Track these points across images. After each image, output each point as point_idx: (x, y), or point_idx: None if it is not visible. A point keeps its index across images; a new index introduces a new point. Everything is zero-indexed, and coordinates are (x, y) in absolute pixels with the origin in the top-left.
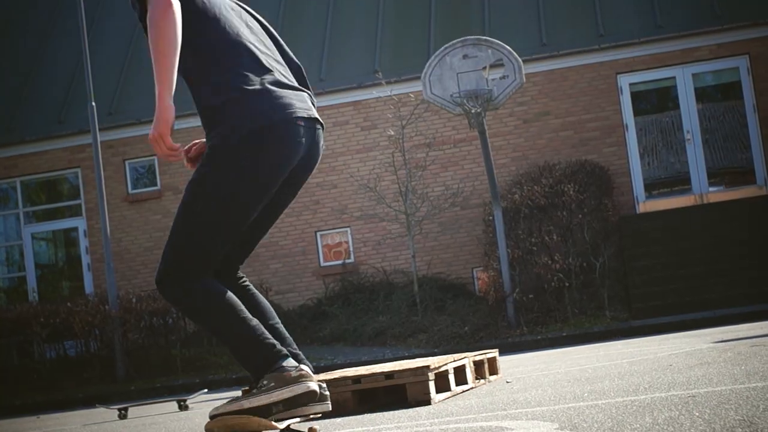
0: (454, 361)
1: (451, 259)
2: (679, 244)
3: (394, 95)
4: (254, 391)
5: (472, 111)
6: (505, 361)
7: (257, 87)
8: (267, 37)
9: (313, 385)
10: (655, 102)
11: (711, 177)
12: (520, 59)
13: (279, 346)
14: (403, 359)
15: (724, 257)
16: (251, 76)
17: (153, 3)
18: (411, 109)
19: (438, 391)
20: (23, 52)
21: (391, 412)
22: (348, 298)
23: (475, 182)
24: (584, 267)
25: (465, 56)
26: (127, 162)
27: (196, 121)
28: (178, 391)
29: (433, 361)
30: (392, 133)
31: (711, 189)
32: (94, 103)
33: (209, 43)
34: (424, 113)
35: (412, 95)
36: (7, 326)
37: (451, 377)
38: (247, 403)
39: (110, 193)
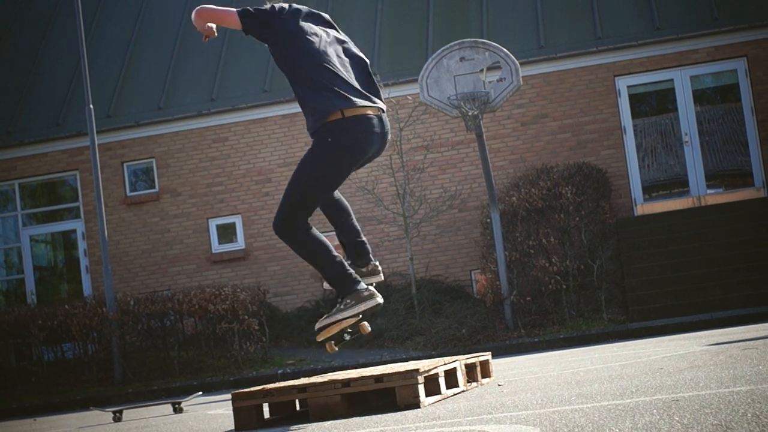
0: (445, 364)
1: (449, 262)
2: (677, 246)
3: (392, 98)
4: (341, 306)
5: (469, 113)
6: (501, 364)
7: (346, 93)
8: (350, 62)
9: (379, 299)
10: (653, 104)
11: (709, 179)
12: (517, 62)
13: (354, 275)
14: (400, 362)
15: (721, 260)
16: (343, 85)
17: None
18: (409, 111)
19: (428, 395)
20: (21, 55)
21: (379, 416)
22: None
23: (473, 184)
24: (581, 269)
25: (462, 59)
26: (125, 164)
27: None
28: (176, 393)
29: (423, 365)
30: (390, 135)
31: (709, 191)
32: (92, 106)
33: (310, 63)
34: (422, 116)
35: (409, 98)
36: (5, 329)
37: (442, 380)
38: (339, 315)
39: (108, 196)
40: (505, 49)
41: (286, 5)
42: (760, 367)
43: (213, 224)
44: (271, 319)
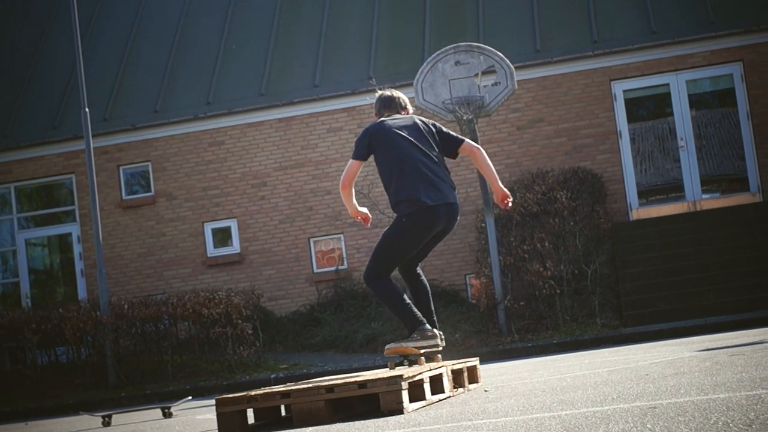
0: (430, 370)
1: (444, 266)
2: (672, 251)
3: None
4: (409, 338)
5: (464, 118)
6: (492, 369)
7: (413, 190)
8: (424, 142)
9: (438, 340)
10: (649, 109)
11: (704, 184)
12: (512, 66)
13: (422, 318)
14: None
15: (716, 264)
16: (411, 182)
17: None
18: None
19: (413, 400)
20: (18, 58)
21: (361, 422)
22: (341, 305)
23: (468, 189)
24: (576, 274)
25: (457, 63)
26: (121, 168)
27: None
28: (169, 397)
29: (407, 371)
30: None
31: (704, 196)
32: (87, 110)
33: (389, 166)
34: None
35: None
36: None
37: (427, 386)
38: (405, 343)
39: (104, 199)
40: (500, 53)
41: (376, 126)
42: (743, 374)
43: (208, 228)
44: (265, 323)
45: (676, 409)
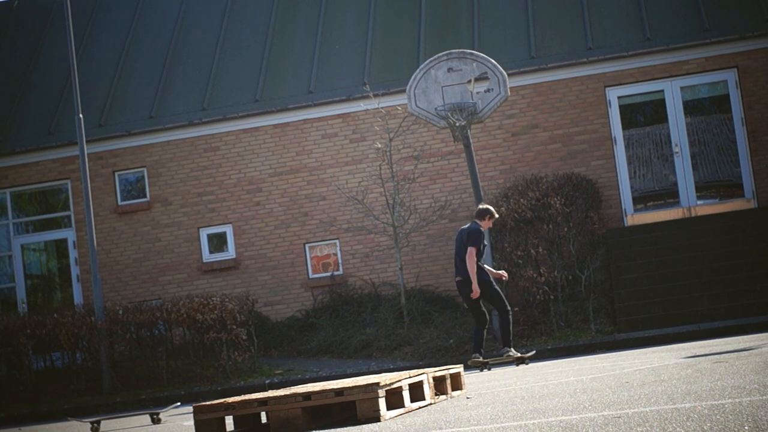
0: (410, 377)
1: (440, 272)
2: (666, 257)
3: (382, 108)
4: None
5: (457, 124)
6: (481, 375)
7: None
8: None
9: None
10: (644, 115)
11: (699, 190)
12: (504, 72)
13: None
14: (386, 372)
15: (710, 270)
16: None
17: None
18: (399, 121)
19: (391, 408)
20: (14, 64)
21: (337, 429)
22: (336, 310)
23: (463, 195)
24: (570, 280)
25: (450, 69)
26: (116, 173)
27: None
28: (164, 402)
29: (385, 378)
30: (380, 145)
31: (699, 202)
32: (81, 116)
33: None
34: (412, 126)
35: (399, 108)
36: None
37: (406, 394)
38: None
39: (100, 205)
40: (492, 60)
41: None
42: (718, 383)
43: (204, 233)
44: (261, 329)
45: (638, 419)
